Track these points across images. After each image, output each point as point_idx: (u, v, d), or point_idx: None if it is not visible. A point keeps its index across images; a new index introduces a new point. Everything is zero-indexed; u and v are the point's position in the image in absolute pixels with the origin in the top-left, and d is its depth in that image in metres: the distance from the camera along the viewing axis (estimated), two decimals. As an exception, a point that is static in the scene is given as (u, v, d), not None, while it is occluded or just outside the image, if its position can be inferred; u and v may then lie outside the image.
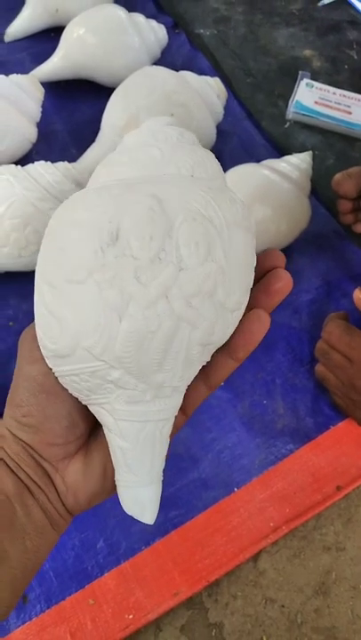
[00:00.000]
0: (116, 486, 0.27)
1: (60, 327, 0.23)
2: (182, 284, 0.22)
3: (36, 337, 0.26)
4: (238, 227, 0.24)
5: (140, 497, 0.26)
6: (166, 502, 0.45)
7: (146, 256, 0.22)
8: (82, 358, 0.23)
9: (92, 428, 0.29)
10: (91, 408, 0.26)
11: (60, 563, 0.43)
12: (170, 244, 0.22)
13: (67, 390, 0.26)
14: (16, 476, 0.26)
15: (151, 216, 0.22)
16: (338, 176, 0.54)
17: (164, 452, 0.27)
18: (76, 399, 0.26)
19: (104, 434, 0.27)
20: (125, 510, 0.26)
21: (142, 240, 0.22)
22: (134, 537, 0.44)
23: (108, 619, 0.41)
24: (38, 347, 0.26)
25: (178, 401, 0.26)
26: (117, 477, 0.26)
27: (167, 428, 0.26)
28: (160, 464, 0.26)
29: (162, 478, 0.27)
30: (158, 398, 0.25)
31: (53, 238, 0.24)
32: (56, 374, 0.25)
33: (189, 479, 0.46)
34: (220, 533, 0.44)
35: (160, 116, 0.30)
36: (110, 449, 0.26)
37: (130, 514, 0.26)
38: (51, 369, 0.25)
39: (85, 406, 0.27)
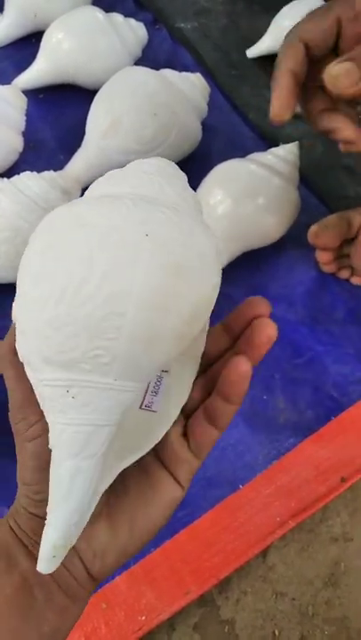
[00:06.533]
0: (145, 539, 0.27)
1: None
2: None
3: (31, 413, 0.25)
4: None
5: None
6: (173, 503, 0.45)
7: None
8: None
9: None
10: None
11: (71, 569, 0.43)
12: None
13: None
14: (34, 557, 0.24)
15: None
16: (314, 228, 0.50)
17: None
18: None
19: (120, 487, 0.27)
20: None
21: None
22: (142, 540, 0.44)
23: (122, 621, 0.41)
24: (36, 420, 0.24)
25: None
26: None
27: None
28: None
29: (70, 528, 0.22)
30: None
31: None
32: None
33: (194, 479, 0.46)
34: (227, 531, 0.44)
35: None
36: None
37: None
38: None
39: None
